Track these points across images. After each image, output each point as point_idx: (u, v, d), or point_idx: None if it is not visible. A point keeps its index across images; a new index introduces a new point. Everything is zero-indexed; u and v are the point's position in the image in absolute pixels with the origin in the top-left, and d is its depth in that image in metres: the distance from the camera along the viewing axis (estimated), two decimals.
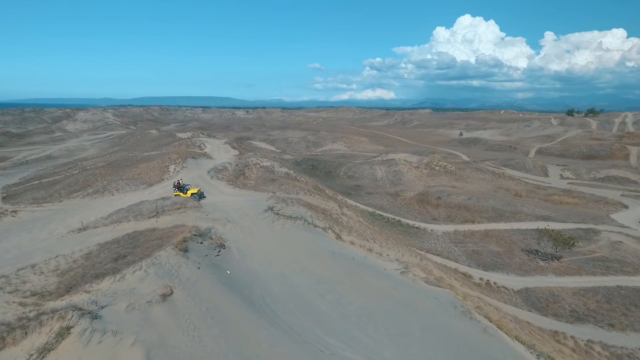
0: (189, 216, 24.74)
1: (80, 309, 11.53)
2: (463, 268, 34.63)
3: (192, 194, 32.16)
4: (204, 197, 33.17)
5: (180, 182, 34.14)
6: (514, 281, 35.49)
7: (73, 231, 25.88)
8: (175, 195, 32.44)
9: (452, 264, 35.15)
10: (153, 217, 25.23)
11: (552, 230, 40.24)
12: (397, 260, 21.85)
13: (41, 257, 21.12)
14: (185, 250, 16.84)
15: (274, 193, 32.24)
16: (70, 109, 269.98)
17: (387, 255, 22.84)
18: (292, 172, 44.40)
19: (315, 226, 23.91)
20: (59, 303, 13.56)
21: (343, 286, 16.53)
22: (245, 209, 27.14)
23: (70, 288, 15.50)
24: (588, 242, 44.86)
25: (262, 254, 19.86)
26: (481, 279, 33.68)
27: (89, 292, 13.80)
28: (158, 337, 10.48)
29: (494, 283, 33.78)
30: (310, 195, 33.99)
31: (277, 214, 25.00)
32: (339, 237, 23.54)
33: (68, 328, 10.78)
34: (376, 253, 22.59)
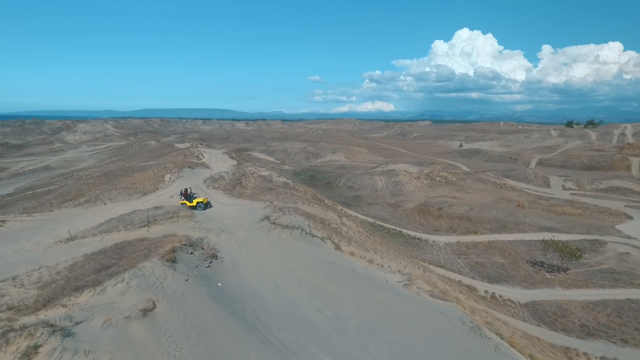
0: (181, 226, 23.69)
1: (51, 326, 10.44)
2: (467, 280, 33.37)
3: (197, 203, 31.16)
4: (211, 206, 32.23)
5: (188, 190, 33.05)
6: (520, 294, 34.19)
7: (60, 241, 24.77)
8: (181, 203, 31.45)
9: (456, 276, 33.91)
10: (144, 226, 24.18)
11: (558, 241, 39.08)
12: (399, 272, 20.69)
13: (24, 269, 20.03)
14: (173, 261, 15.75)
15: (271, 202, 31.24)
16: (70, 120, 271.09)
17: (389, 266, 21.69)
18: (290, 181, 43.48)
19: (313, 236, 22.83)
20: (33, 318, 12.45)
21: (342, 300, 15.40)
22: (241, 219, 26.10)
23: (48, 302, 14.39)
24: (594, 253, 43.66)
25: (257, 265, 18.75)
26: (486, 291, 32.40)
27: (66, 306, 12.71)
28: (134, 357, 9.37)
29: (500, 296, 32.49)
30: (309, 204, 32.97)
31: (274, 223, 23.95)
32: (338, 247, 22.44)
33: (36, 347, 9.70)
34: (377, 264, 21.47)
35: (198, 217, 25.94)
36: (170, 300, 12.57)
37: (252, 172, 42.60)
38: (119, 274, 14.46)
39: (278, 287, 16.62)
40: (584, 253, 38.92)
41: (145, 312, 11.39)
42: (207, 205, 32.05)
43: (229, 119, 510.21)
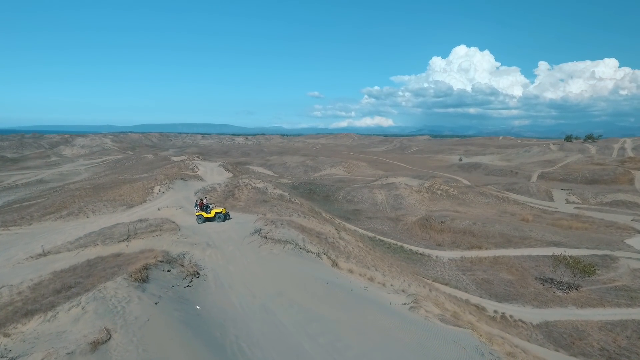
0: (164, 240, 21.67)
1: None
2: (475, 299, 31.10)
3: (216, 214, 28.72)
4: (229, 217, 29.92)
5: (204, 200, 30.63)
6: (532, 314, 31.86)
7: (32, 257, 22.68)
8: (197, 215, 28.96)
9: (463, 295, 31.64)
10: (124, 240, 22.15)
11: (570, 256, 36.90)
12: (402, 291, 18.57)
13: None
14: (143, 281, 13.65)
15: (264, 215, 29.23)
16: (69, 135, 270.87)
17: (392, 285, 19.56)
18: (286, 193, 41.55)
19: (308, 251, 20.76)
20: None
21: (339, 325, 13.29)
22: (230, 232, 24.06)
23: None
24: (606, 269, 41.45)
25: (244, 284, 16.66)
26: (495, 311, 30.08)
27: (10, 335, 10.63)
28: None
29: (510, 316, 30.15)
30: (305, 217, 30.95)
31: (265, 237, 21.91)
32: (335, 263, 20.35)
33: None
34: (378, 283, 19.34)
35: (184, 230, 23.88)
36: (131, 329, 10.48)
37: (245, 183, 40.70)
38: (78, 295, 12.40)
39: (266, 310, 14.51)
40: (598, 269, 36.73)
41: (96, 345, 9.31)
42: (226, 216, 29.55)
43: (229, 134, 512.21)
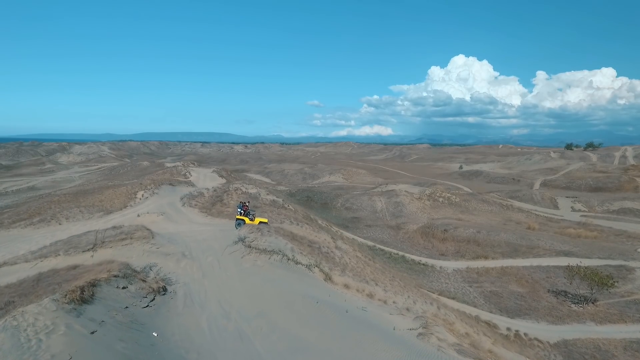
0: (134, 249, 19.00)
1: None
2: (485, 314, 28.25)
3: (260, 223, 25.76)
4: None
5: (247, 204, 27.69)
6: (548, 331, 28.97)
7: None
8: (237, 219, 26.04)
9: (471, 310, 28.82)
10: (89, 250, 19.47)
11: (586, 267, 34.11)
12: (407, 309, 15.88)
13: None
14: (83, 302, 10.84)
15: None
16: (66, 142, 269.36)
17: (394, 302, 16.79)
18: (280, 199, 38.92)
19: (297, 263, 18.03)
20: None
21: (330, 358, 10.58)
22: (211, 241, 21.38)
23: None
24: (623, 281, 38.61)
25: (218, 303, 13.96)
26: (509, 329, 27.20)
27: None
28: None
29: (525, 334, 27.25)
30: (298, 224, 28.23)
31: (249, 246, 19.20)
32: (328, 277, 17.62)
33: None
34: (379, 300, 16.60)
35: (158, 239, 21.18)
36: None
37: (236, 188, 38.04)
38: None
39: (241, 336, 11.79)
40: (617, 281, 33.94)
41: None
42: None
43: (228, 142, 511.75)
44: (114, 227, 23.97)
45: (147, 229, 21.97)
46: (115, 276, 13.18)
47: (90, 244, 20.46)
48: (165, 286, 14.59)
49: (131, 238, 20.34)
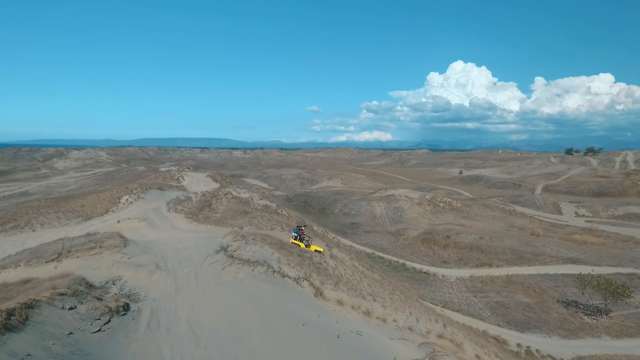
0: (103, 260, 16.94)
1: None
2: (493, 329, 26.08)
3: (315, 251, 24.36)
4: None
5: (304, 228, 26.20)
6: (561, 346, 26.76)
7: None
8: (292, 242, 24.45)
9: (478, 323, 26.63)
10: (53, 260, 17.39)
11: (598, 276, 31.97)
12: (409, 329, 13.80)
13: None
14: (8, 329, 8.70)
15: (241, 228, 24.50)
16: (64, 148, 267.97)
17: (395, 321, 14.68)
18: (273, 204, 36.87)
19: (284, 275, 15.94)
20: None
21: None
22: (192, 250, 19.32)
23: None
24: (636, 290, 36.43)
25: (188, 325, 11.88)
26: (519, 345, 25.03)
27: None
28: None
29: (537, 351, 25.07)
30: (290, 232, 26.11)
31: (231, 256, 17.12)
32: (319, 292, 15.51)
33: None
34: (377, 318, 14.49)
35: (132, 248, 19.06)
36: None
37: (226, 193, 35.96)
38: None
39: None
40: (633, 291, 31.79)
41: None
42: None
43: (228, 148, 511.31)
44: (87, 235, 21.90)
45: (121, 237, 19.88)
46: (61, 294, 10.99)
47: (56, 253, 18.39)
48: (128, 304, 12.50)
49: (100, 247, 18.23)
